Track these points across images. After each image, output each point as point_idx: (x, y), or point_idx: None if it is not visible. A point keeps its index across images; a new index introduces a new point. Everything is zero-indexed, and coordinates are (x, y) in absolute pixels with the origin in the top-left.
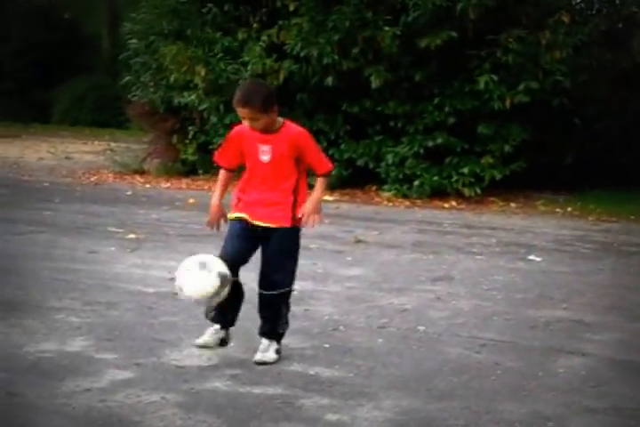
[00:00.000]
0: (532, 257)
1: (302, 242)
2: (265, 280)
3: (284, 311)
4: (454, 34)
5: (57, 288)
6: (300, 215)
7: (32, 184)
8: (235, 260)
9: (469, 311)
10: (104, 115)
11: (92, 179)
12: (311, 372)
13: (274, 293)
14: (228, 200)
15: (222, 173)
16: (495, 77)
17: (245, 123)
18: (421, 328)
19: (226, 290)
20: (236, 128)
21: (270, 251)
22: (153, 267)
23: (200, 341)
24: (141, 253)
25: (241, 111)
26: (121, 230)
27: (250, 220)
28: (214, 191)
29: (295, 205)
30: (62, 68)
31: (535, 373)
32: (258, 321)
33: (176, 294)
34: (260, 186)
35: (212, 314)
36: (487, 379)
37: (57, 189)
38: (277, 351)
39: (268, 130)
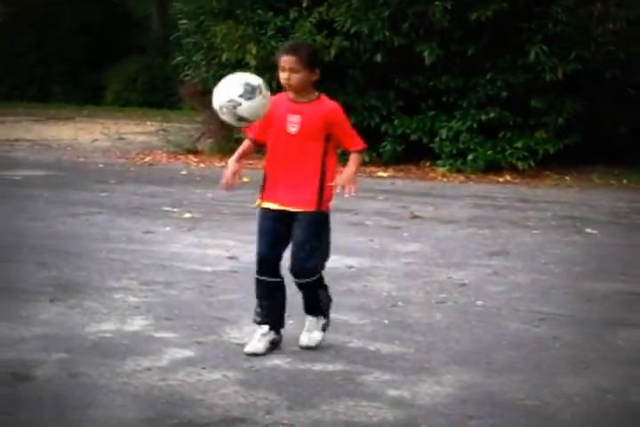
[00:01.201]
0: (588, 230)
1: (358, 218)
2: (295, 268)
3: (322, 293)
4: (505, 4)
5: (115, 269)
6: (332, 184)
7: (87, 166)
8: (270, 260)
9: (527, 285)
10: (156, 95)
11: (146, 159)
12: (371, 348)
13: (305, 281)
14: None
15: (246, 141)
16: (546, 48)
17: (283, 75)
18: (480, 303)
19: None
20: None
21: (297, 237)
22: (209, 246)
23: (249, 348)
24: (197, 233)
25: (284, 60)
26: (176, 210)
27: (278, 206)
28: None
29: (322, 189)
30: (114, 50)
31: (594, 346)
32: None
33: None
34: (283, 163)
35: (259, 317)
36: (546, 352)
37: (112, 171)
38: (324, 328)
39: (301, 99)
